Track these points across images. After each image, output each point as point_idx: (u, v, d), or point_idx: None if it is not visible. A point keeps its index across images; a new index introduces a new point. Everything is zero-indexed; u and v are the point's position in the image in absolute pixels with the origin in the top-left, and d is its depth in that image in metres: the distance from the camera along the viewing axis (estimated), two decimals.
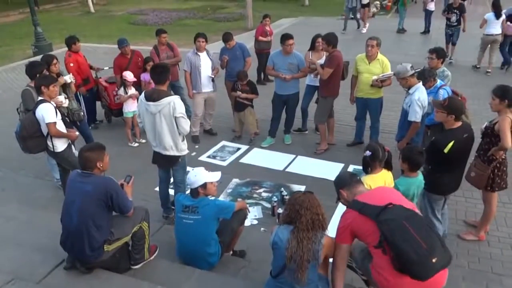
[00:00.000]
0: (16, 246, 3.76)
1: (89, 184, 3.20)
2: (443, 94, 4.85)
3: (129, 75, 6.47)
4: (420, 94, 4.62)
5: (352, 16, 15.07)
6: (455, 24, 10.68)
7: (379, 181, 3.42)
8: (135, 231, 3.47)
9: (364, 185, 2.91)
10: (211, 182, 3.62)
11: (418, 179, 3.62)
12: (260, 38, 9.26)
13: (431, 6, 13.82)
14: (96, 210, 3.20)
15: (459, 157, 3.80)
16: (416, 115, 4.63)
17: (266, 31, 9.34)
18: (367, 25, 14.85)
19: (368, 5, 14.90)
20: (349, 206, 2.81)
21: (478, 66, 10.13)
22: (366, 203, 2.66)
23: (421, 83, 4.76)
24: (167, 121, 4.24)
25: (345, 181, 2.94)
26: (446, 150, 3.62)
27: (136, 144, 6.74)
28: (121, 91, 6.55)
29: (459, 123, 3.73)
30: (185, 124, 4.31)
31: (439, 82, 5.05)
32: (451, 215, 4.60)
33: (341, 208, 3.48)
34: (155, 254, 3.76)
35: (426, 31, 14.19)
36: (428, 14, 14.01)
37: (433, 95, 4.90)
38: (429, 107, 4.70)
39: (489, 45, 9.67)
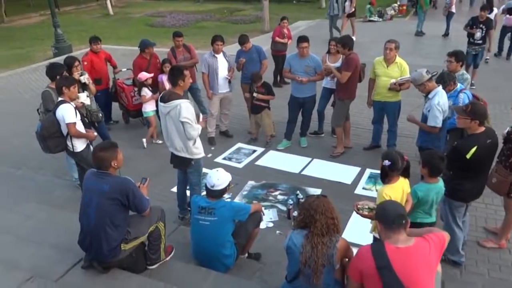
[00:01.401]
0: (35, 244, 3.83)
1: (106, 184, 3.23)
2: (463, 98, 4.76)
3: (145, 75, 6.56)
4: (440, 98, 4.52)
5: (336, 25, 13.52)
6: (480, 42, 8.86)
7: (398, 190, 3.35)
8: (152, 231, 3.51)
9: (404, 233, 2.51)
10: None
11: (438, 185, 3.54)
12: (277, 39, 9.24)
13: (453, 9, 13.64)
14: (113, 209, 3.23)
15: (482, 163, 3.71)
16: (436, 120, 4.52)
17: (284, 32, 9.32)
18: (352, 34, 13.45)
19: (353, 14, 13.68)
20: (372, 249, 2.50)
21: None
22: (390, 267, 2.39)
23: (440, 87, 4.67)
24: (175, 123, 4.25)
25: (387, 218, 2.52)
26: (468, 156, 3.53)
27: (145, 144, 6.73)
28: (145, 91, 6.58)
29: (482, 128, 3.64)
30: (191, 130, 4.21)
31: (459, 85, 4.95)
32: (471, 222, 4.51)
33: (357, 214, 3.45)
34: (171, 255, 3.79)
35: (446, 34, 13.98)
36: (449, 17, 13.76)
37: (453, 99, 4.81)
38: (449, 111, 4.62)
39: None
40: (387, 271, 2.39)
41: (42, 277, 3.36)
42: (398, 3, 19.34)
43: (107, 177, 3.29)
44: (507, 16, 10.25)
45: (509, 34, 10.90)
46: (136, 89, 6.99)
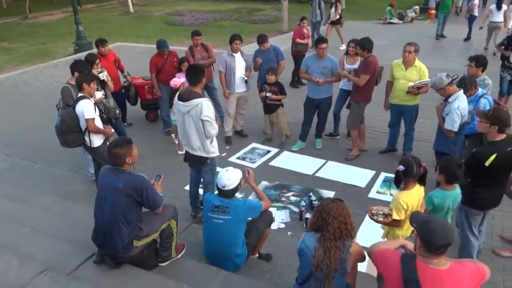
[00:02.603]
0: (50, 237, 3.88)
1: (120, 181, 3.26)
2: (484, 103, 4.67)
3: (178, 81, 6.20)
4: (460, 102, 4.44)
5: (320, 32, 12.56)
6: None
7: (415, 197, 3.30)
8: (164, 229, 3.53)
9: (443, 258, 2.29)
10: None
11: (455, 193, 3.45)
12: (298, 40, 9.22)
13: (476, 12, 13.36)
14: (127, 206, 3.26)
15: (501, 171, 3.61)
16: (453, 124, 4.45)
17: (304, 33, 9.30)
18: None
19: (338, 22, 12.73)
20: (402, 261, 2.35)
21: (486, 47, 11.91)
22: (418, 283, 2.24)
23: (462, 91, 4.58)
24: (195, 122, 4.26)
25: (432, 244, 2.24)
26: (487, 163, 3.45)
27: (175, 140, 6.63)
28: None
29: (503, 136, 3.55)
30: (211, 128, 4.26)
31: (480, 90, 4.85)
32: (487, 229, 4.39)
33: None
34: (182, 253, 3.80)
35: (468, 38, 13.71)
36: (471, 20, 13.50)
37: (474, 104, 4.72)
38: (468, 116, 4.53)
39: (493, 31, 11.58)
40: (414, 284, 2.26)
41: (56, 270, 3.40)
42: (428, 6, 18.78)
43: (122, 174, 3.32)
44: None
45: None
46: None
